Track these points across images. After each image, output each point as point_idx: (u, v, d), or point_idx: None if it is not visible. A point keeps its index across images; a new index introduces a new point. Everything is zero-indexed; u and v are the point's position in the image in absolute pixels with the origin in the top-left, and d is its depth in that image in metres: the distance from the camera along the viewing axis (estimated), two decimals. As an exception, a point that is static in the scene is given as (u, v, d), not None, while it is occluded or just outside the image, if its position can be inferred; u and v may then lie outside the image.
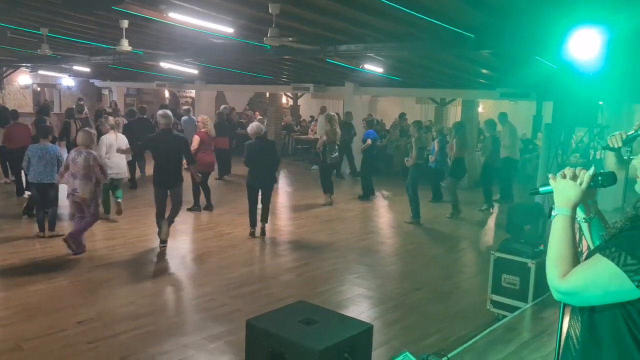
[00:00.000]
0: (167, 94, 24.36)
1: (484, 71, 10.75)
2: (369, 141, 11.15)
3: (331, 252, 7.69)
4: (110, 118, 9.40)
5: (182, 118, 14.78)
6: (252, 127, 8.16)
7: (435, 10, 6.31)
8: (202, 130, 9.58)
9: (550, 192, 1.87)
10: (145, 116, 12.96)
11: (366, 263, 7.31)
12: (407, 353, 3.03)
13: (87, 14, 8.33)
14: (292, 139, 18.97)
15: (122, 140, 8.79)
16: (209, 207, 9.77)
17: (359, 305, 5.79)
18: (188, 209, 9.35)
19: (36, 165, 7.39)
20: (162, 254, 7.20)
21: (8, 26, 10.33)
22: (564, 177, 1.82)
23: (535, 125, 15.73)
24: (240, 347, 4.33)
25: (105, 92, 24.44)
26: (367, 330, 3.47)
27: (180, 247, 7.64)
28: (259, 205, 8.21)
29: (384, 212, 10.99)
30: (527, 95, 11.41)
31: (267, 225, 8.25)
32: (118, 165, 8.61)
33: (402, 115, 16.71)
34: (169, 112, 7.67)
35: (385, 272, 7.06)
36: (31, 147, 7.61)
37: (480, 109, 14.98)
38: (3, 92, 21.74)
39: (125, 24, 8.10)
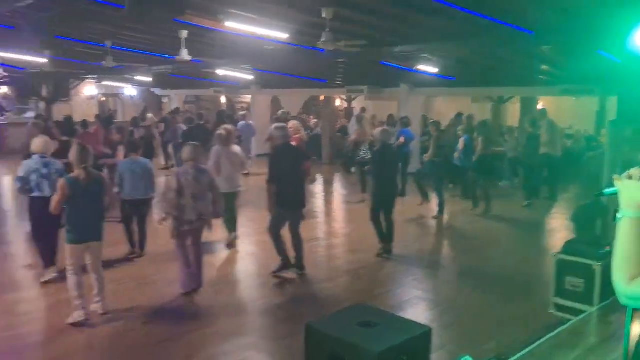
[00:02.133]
0: (223, 99, 24.92)
1: (544, 67, 10.45)
2: (402, 139, 11.70)
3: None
4: (228, 127, 8.35)
5: (239, 123, 15.03)
6: (380, 132, 7.57)
7: (492, 7, 6.19)
8: (296, 136, 9.09)
9: (616, 194, 1.82)
10: (202, 122, 13.31)
11: (422, 265, 7.25)
12: (468, 357, 2.99)
13: (148, 26, 8.66)
14: (347, 141, 19.00)
15: (234, 152, 7.80)
16: None
17: (416, 308, 5.76)
18: None
19: (129, 180, 6.95)
20: (221, 257, 7.36)
21: (76, 40, 10.88)
22: (630, 178, 1.76)
23: (599, 121, 15.12)
24: (299, 349, 4.39)
25: (166, 100, 25.25)
26: (425, 333, 3.46)
27: (239, 250, 7.79)
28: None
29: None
30: (590, 91, 11.04)
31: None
32: (230, 179, 7.60)
33: (459, 116, 16.45)
34: (284, 124, 6.99)
35: (442, 274, 6.99)
36: (122, 163, 7.25)
37: (539, 106, 14.56)
38: (71, 103, 22.86)
39: (184, 34, 8.37)
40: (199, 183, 5.94)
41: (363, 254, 7.61)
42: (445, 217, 9.60)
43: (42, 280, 6.21)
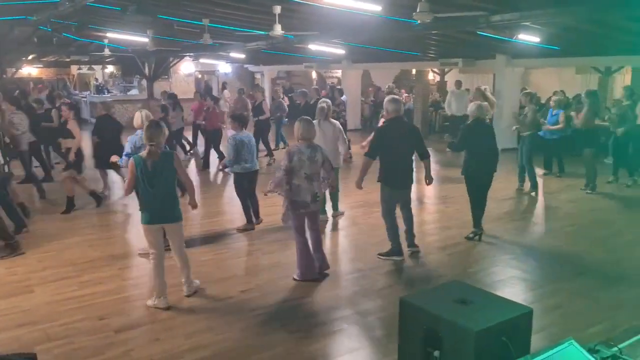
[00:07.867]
0: (314, 74, 25.05)
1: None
2: None
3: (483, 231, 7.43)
4: (328, 101, 7.99)
5: (342, 98, 14.09)
6: (472, 107, 7.09)
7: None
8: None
9: None
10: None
11: (521, 244, 6.96)
12: (573, 341, 2.82)
13: (244, 2, 8.80)
14: (440, 115, 18.56)
15: (333, 126, 7.47)
16: None
17: (514, 288, 5.55)
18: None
19: (246, 154, 7.18)
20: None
21: (175, 19, 11.30)
22: None
23: None
24: (391, 323, 4.38)
25: (258, 76, 25.79)
26: (526, 314, 3.31)
27: (328, 225, 7.86)
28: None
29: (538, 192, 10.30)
30: None
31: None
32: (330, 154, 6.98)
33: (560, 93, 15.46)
34: (397, 97, 6.43)
35: (542, 254, 6.67)
36: (234, 136, 7.26)
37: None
38: (170, 80, 23.93)
39: (278, 9, 8.42)
40: (313, 162, 5.46)
41: (457, 231, 7.43)
42: (544, 194, 9.13)
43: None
